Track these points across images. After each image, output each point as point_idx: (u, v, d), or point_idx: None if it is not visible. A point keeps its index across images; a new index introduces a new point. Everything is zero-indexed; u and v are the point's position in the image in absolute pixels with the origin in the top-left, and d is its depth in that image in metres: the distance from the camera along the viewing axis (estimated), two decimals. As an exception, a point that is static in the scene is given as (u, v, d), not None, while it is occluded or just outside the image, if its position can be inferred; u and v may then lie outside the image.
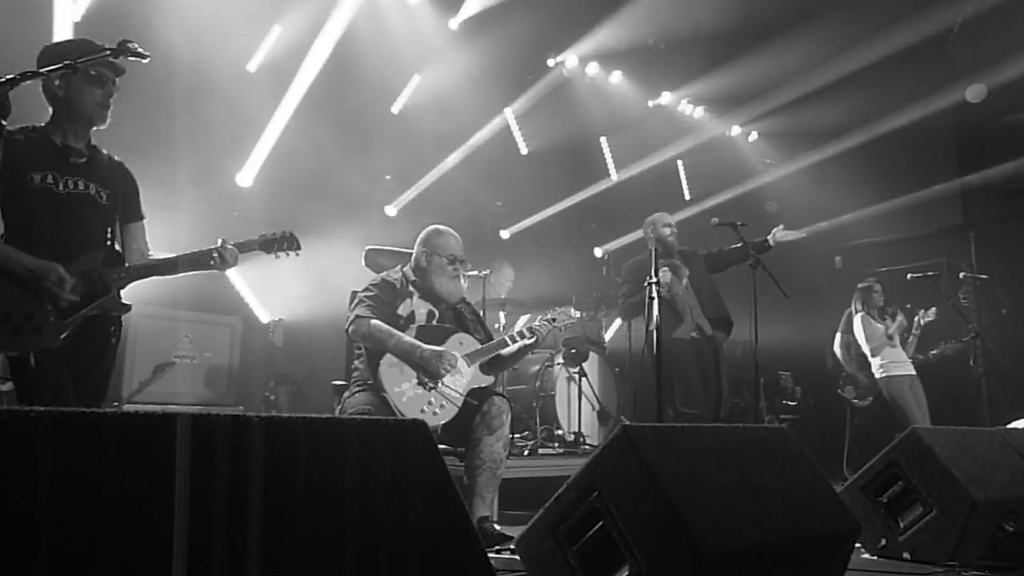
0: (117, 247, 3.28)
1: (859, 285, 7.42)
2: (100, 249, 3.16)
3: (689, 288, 5.99)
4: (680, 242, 6.17)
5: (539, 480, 5.11)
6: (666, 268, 5.76)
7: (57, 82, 3.07)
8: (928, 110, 8.88)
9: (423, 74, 8.31)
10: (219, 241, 3.33)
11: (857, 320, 7.27)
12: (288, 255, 3.58)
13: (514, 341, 4.14)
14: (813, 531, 2.50)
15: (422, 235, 4.30)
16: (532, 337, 4.12)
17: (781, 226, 6.18)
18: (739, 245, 5.92)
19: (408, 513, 1.63)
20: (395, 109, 8.34)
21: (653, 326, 5.10)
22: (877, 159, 9.52)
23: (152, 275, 3.28)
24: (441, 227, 4.29)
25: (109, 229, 3.26)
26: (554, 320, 4.24)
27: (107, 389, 3.23)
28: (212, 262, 3.30)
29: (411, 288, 4.18)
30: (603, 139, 10.21)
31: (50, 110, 3.16)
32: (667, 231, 6.09)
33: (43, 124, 3.16)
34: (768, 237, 6.12)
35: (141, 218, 3.43)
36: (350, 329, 3.99)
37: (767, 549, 2.27)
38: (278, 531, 1.40)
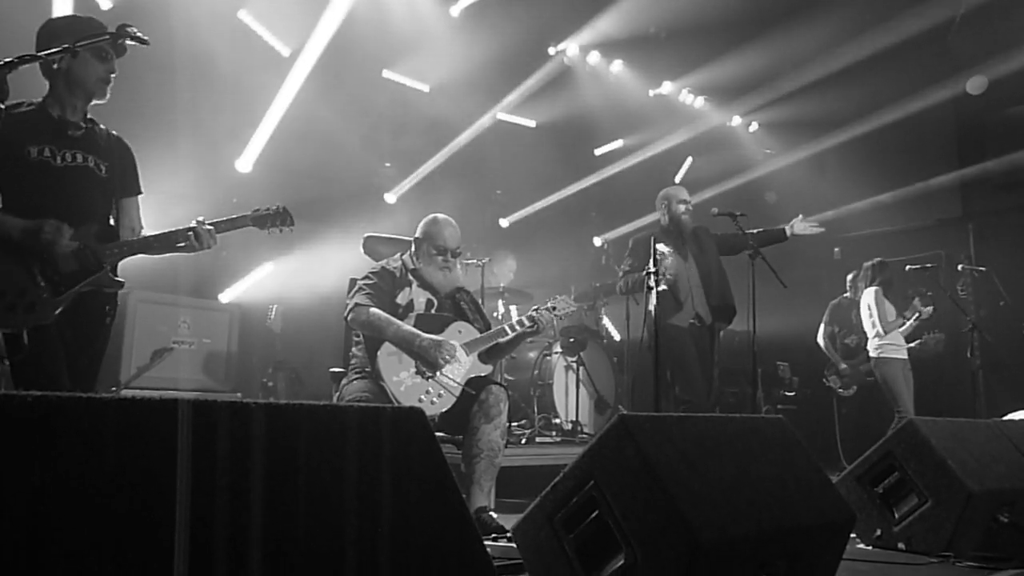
0: (111, 221, 3.27)
1: (871, 262, 7.32)
2: (95, 223, 3.15)
3: (696, 271, 5.84)
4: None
5: (536, 468, 5.12)
6: (670, 255, 5.65)
7: (56, 65, 3.07)
8: (928, 102, 8.87)
9: (424, 61, 8.28)
10: (194, 221, 3.28)
11: (871, 293, 7.12)
12: (281, 231, 3.55)
13: (513, 330, 4.14)
14: (809, 521, 2.51)
15: (420, 223, 4.30)
16: (532, 325, 4.12)
17: (800, 216, 5.97)
18: (756, 231, 5.74)
19: (406, 501, 1.64)
20: (385, 74, 8.28)
21: (652, 310, 5.09)
22: (877, 150, 9.51)
23: (145, 252, 3.26)
24: (440, 216, 4.28)
25: (108, 202, 3.25)
26: (554, 308, 4.24)
27: (100, 368, 3.22)
28: (185, 242, 3.25)
29: (410, 276, 4.17)
30: (616, 141, 10.22)
31: (47, 84, 3.14)
32: (681, 208, 5.90)
33: (40, 99, 3.15)
34: (786, 227, 5.94)
35: (138, 192, 3.41)
36: (349, 316, 3.98)
37: (763, 539, 2.28)
38: (279, 518, 1.40)
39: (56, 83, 3.13)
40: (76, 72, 3.09)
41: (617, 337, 8.20)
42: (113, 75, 3.16)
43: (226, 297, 7.22)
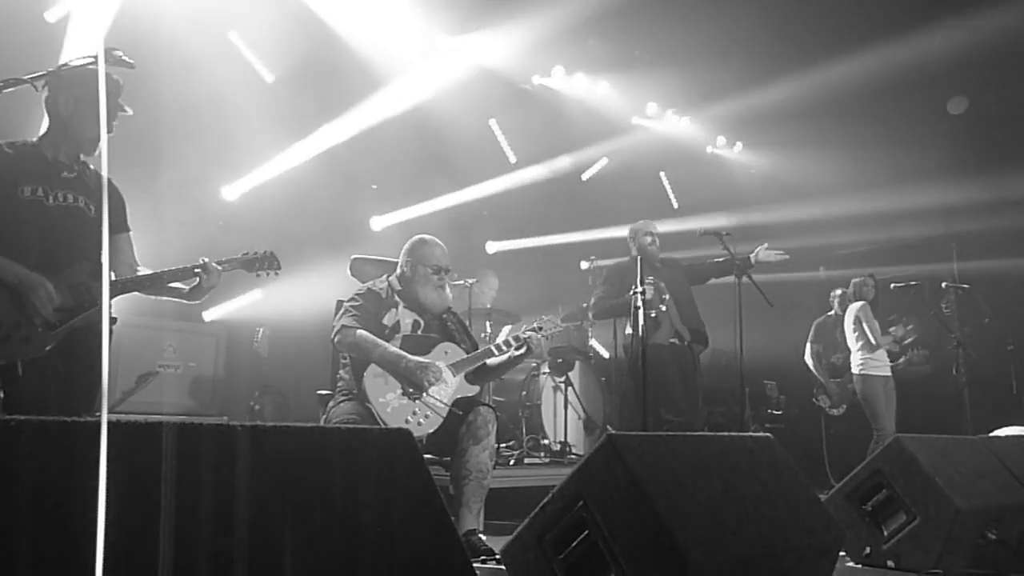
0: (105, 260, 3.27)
1: (853, 280, 7.35)
2: (89, 261, 3.16)
3: (669, 298, 5.97)
4: (664, 251, 6.15)
5: (525, 490, 5.10)
6: (651, 284, 5.72)
7: (63, 102, 3.07)
8: (911, 122, 8.96)
9: (412, 87, 8.31)
10: (202, 259, 3.33)
11: (857, 307, 7.10)
12: (268, 274, 3.61)
13: (500, 351, 4.13)
14: (798, 540, 2.51)
15: (407, 245, 4.30)
16: (522, 347, 4.11)
17: (765, 244, 6.11)
18: (721, 259, 5.92)
19: (394, 522, 1.63)
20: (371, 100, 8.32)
21: (639, 332, 5.13)
22: (861, 169, 9.59)
23: (138, 290, 3.31)
24: (427, 237, 4.29)
25: (100, 241, 3.25)
26: (540, 328, 4.24)
27: (94, 401, 3.23)
28: (196, 278, 3.30)
29: (397, 298, 4.17)
30: (567, 157, 10.24)
31: (45, 124, 3.16)
32: (648, 240, 6.08)
33: (35, 139, 3.18)
34: (751, 255, 6.06)
35: (127, 230, 3.45)
36: (336, 339, 3.97)
37: (753, 558, 2.28)
38: (264, 539, 1.39)
39: (54, 126, 3.16)
40: (75, 126, 3.12)
41: (606, 355, 8.20)
42: (109, 134, 3.17)
43: (211, 316, 7.16)
